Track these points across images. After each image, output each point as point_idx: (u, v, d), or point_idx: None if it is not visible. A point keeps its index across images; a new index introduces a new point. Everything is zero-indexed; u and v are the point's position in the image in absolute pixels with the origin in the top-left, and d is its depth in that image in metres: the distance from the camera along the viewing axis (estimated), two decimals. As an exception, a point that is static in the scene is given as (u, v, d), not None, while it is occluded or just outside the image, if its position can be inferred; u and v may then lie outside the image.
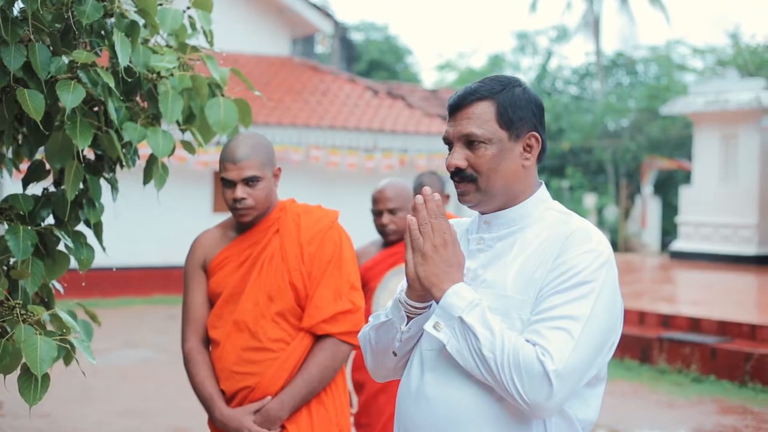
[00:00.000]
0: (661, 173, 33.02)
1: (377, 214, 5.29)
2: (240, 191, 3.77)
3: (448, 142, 2.54)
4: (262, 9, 21.87)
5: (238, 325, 3.84)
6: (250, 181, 3.78)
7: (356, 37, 41.46)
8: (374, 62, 39.98)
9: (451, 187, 21.68)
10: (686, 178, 32.05)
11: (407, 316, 2.52)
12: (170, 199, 15.97)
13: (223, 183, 3.84)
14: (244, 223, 3.90)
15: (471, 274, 2.52)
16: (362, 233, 20.87)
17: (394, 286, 5.09)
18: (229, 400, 3.85)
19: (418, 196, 2.43)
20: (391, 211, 5.21)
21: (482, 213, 2.59)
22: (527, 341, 2.30)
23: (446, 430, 2.42)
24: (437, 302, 2.40)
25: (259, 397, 3.80)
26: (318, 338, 3.85)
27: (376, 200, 5.30)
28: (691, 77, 38.45)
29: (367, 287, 5.17)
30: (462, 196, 2.53)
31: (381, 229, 5.32)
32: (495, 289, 2.45)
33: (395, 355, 2.60)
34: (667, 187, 33.32)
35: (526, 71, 42.29)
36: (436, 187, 5.81)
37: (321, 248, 3.89)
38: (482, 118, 2.48)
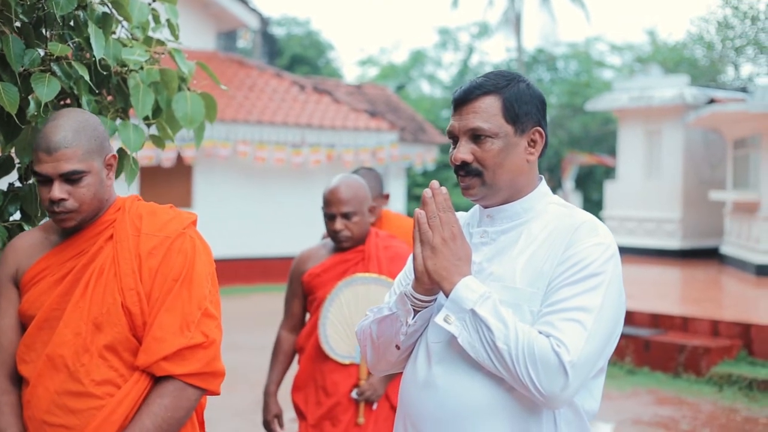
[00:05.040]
0: (582, 168, 33.49)
1: (329, 217, 4.53)
2: (58, 190, 2.88)
3: (453, 136, 2.56)
4: (187, 2, 21.68)
5: (53, 361, 2.88)
6: (71, 177, 2.89)
7: (278, 32, 41.30)
8: (296, 57, 39.87)
9: (388, 186, 21.55)
10: (606, 173, 32.55)
11: (413, 310, 2.52)
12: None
13: (37, 179, 2.95)
14: (66, 228, 3.00)
15: (476, 267, 2.53)
16: (291, 231, 20.66)
17: (345, 298, 4.50)
18: None
19: (427, 190, 2.43)
20: (346, 215, 4.48)
21: (485, 207, 2.61)
22: (540, 333, 2.32)
23: (456, 422, 2.44)
24: (447, 295, 2.40)
25: None
26: (158, 380, 2.90)
27: (328, 202, 4.53)
28: (610, 74, 39.05)
29: (313, 296, 4.62)
30: (467, 190, 2.55)
31: (333, 234, 4.55)
32: (503, 282, 2.47)
33: (398, 348, 2.60)
34: (588, 182, 33.81)
35: (447, 67, 42.63)
36: (375, 184, 5.60)
37: (166, 261, 2.94)
38: (488, 112, 2.50)
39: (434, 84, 42.71)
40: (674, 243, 20.27)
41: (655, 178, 20.87)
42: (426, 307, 2.51)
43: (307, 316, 4.78)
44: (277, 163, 19.81)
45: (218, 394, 3.02)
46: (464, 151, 2.51)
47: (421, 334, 2.58)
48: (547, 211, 2.57)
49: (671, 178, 20.48)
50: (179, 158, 18.46)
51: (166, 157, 17.90)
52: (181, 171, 19.27)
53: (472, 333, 2.36)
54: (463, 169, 2.52)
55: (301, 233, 19.03)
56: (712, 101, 19.32)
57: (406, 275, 2.75)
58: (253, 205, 20.26)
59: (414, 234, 2.44)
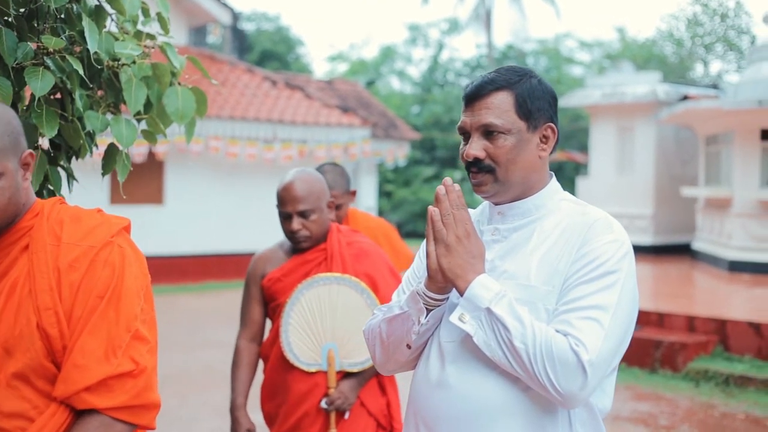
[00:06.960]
0: (551, 164, 33.36)
1: (285, 217, 4.19)
2: None
3: (465, 132, 2.52)
4: (159, -3, 21.55)
5: None
6: None
7: (248, 27, 41.16)
8: (266, 53, 39.77)
9: (359, 182, 21.45)
10: (576, 169, 32.65)
11: (425, 308, 2.48)
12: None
13: None
14: None
15: (488, 265, 2.50)
16: (263, 228, 20.59)
17: (307, 302, 4.18)
18: None
19: (440, 187, 2.40)
20: (303, 214, 4.15)
21: (496, 204, 2.58)
22: (557, 332, 2.29)
23: (470, 422, 2.41)
24: (461, 294, 2.37)
25: None
26: (80, 414, 2.46)
27: (282, 200, 4.18)
28: (580, 70, 39.23)
29: (276, 302, 4.31)
30: (478, 187, 2.51)
31: (290, 235, 4.20)
32: (518, 280, 2.44)
33: (409, 347, 2.56)
34: (557, 178, 33.81)
35: (417, 63, 42.62)
36: (341, 180, 5.37)
37: (89, 275, 2.48)
38: (501, 108, 2.47)
39: (404, 80, 42.72)
40: (646, 239, 20.37)
41: (628, 174, 20.96)
42: (438, 306, 2.48)
43: (268, 323, 4.47)
44: (248, 159, 19.73)
45: (153, 428, 2.58)
46: (476, 148, 2.48)
47: (433, 333, 2.54)
48: (560, 208, 2.55)
49: (643, 175, 20.58)
50: (150, 154, 18.34)
51: (138, 152, 17.77)
52: (153, 167, 19.14)
53: (488, 332, 2.32)
54: (475, 165, 2.49)
55: (273, 230, 18.83)
56: (684, 98, 19.41)
57: (414, 273, 2.72)
58: (225, 201, 20.18)
59: (427, 232, 2.41)
